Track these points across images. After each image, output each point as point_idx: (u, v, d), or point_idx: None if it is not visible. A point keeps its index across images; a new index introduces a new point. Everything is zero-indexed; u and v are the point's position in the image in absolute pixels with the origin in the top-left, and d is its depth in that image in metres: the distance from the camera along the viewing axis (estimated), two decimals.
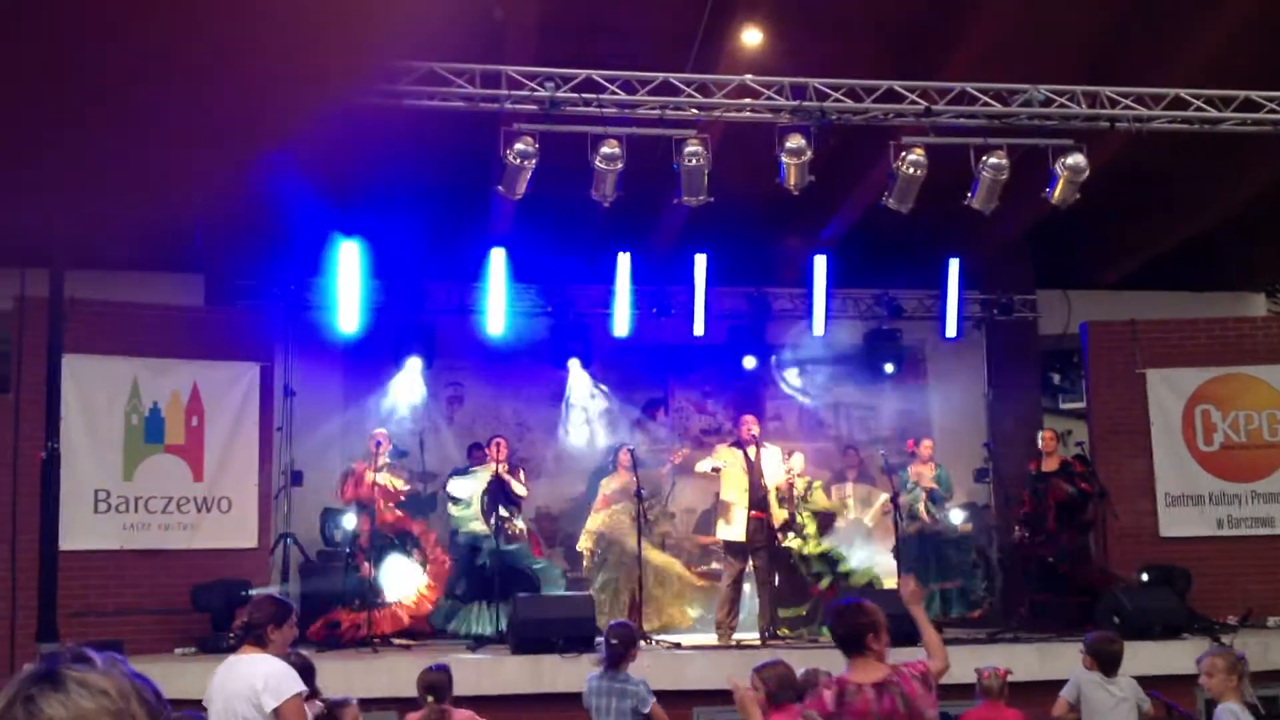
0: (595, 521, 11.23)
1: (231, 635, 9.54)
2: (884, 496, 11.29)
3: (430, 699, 6.22)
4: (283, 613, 5.24)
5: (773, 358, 13.23)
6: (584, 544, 11.34)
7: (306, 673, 5.56)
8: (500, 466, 10.86)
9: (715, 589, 11.19)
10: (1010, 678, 7.04)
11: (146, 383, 10.72)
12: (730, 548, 10.73)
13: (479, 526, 10.86)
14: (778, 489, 10.85)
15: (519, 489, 11.09)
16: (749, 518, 10.53)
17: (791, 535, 10.84)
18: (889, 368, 13.22)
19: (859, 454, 12.61)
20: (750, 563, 10.69)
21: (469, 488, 11.06)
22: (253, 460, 11.10)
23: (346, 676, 8.67)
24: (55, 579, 8.12)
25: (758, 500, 10.62)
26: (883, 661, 4.52)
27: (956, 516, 11.91)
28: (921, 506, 11.61)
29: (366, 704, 8.33)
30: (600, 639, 6.88)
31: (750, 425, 10.96)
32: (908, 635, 9.01)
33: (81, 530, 9.98)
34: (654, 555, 11.06)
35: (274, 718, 4.85)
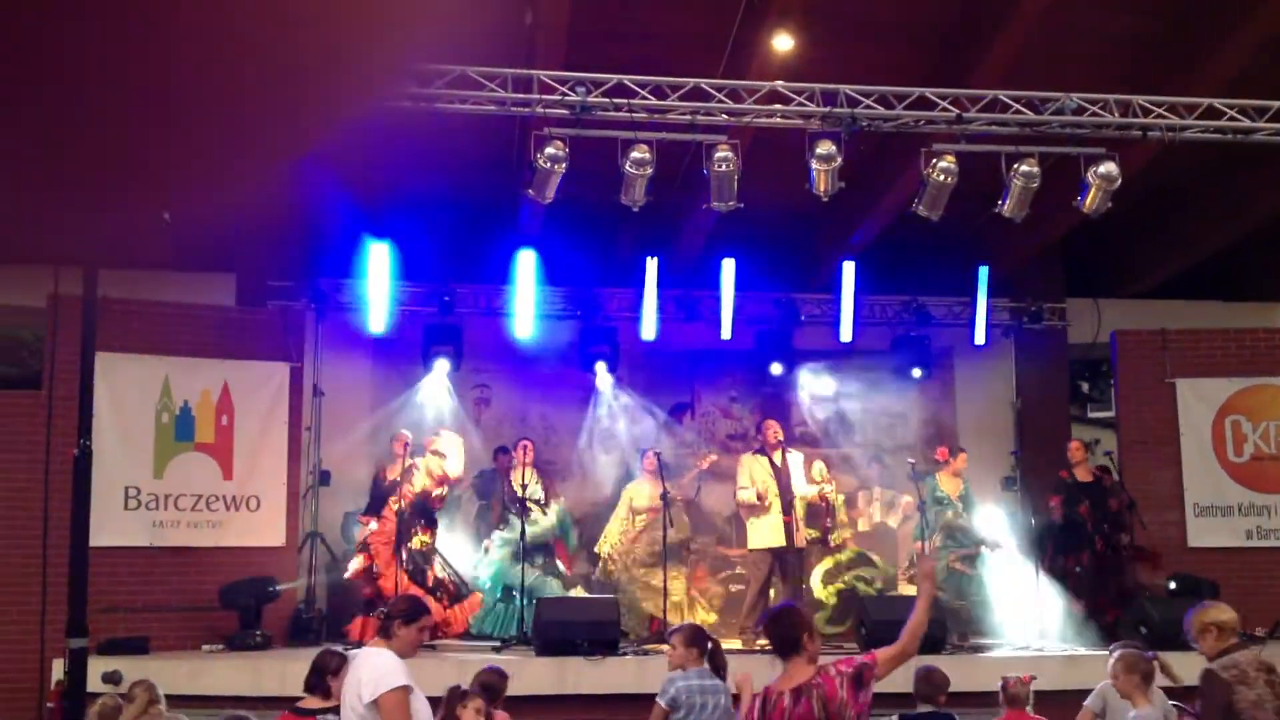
0: (616, 531, 11.26)
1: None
2: (906, 499, 11.28)
3: (478, 699, 6.25)
4: (414, 612, 5.21)
5: (800, 363, 13.21)
6: (603, 548, 11.37)
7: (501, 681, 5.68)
8: (528, 471, 10.89)
9: (737, 594, 11.23)
10: (1035, 685, 7.02)
11: (177, 381, 10.81)
12: (759, 554, 10.73)
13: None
14: (811, 502, 10.84)
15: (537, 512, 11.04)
16: (783, 522, 10.56)
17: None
18: (916, 374, 13.17)
19: (883, 463, 12.58)
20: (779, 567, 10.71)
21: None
22: (282, 459, 11.18)
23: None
24: (86, 575, 8.18)
25: (785, 505, 10.63)
26: (814, 663, 4.55)
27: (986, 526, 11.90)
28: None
29: None
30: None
31: (774, 430, 10.96)
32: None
33: (112, 527, 10.07)
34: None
35: (374, 709, 4.81)
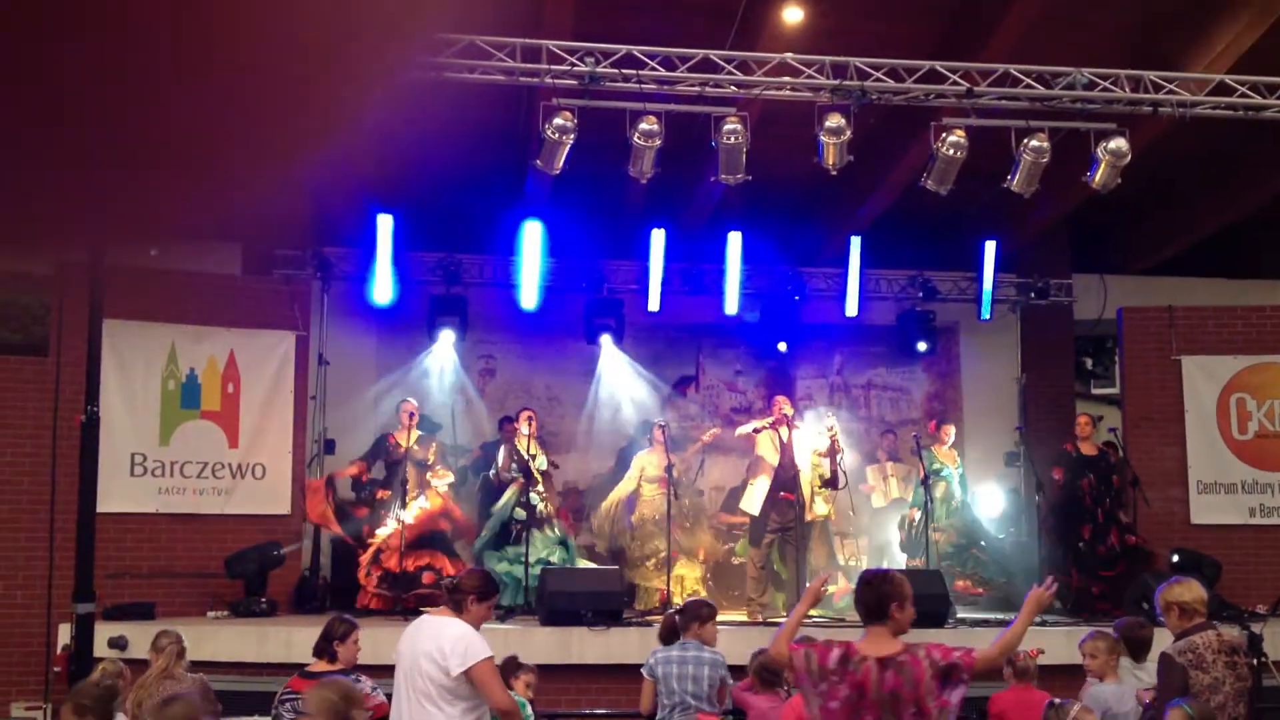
0: (623, 492, 11.34)
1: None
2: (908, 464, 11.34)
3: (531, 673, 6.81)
4: (488, 589, 5.36)
5: (805, 338, 13.21)
6: (605, 509, 11.45)
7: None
8: (530, 441, 10.91)
9: (740, 566, 11.27)
10: (1040, 660, 7.05)
11: (184, 349, 10.83)
12: (753, 525, 10.76)
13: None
14: (818, 453, 10.82)
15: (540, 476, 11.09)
16: (777, 498, 10.55)
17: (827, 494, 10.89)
18: (922, 349, 13.18)
19: (895, 436, 12.59)
20: (780, 541, 10.72)
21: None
22: (287, 428, 11.20)
23: (374, 643, 8.75)
24: (93, 541, 8.24)
25: (786, 481, 10.62)
26: (900, 635, 4.52)
27: (989, 500, 11.94)
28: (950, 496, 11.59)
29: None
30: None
31: (783, 405, 10.94)
32: (934, 616, 9.13)
33: (118, 493, 10.12)
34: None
35: (464, 679, 4.98)
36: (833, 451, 10.64)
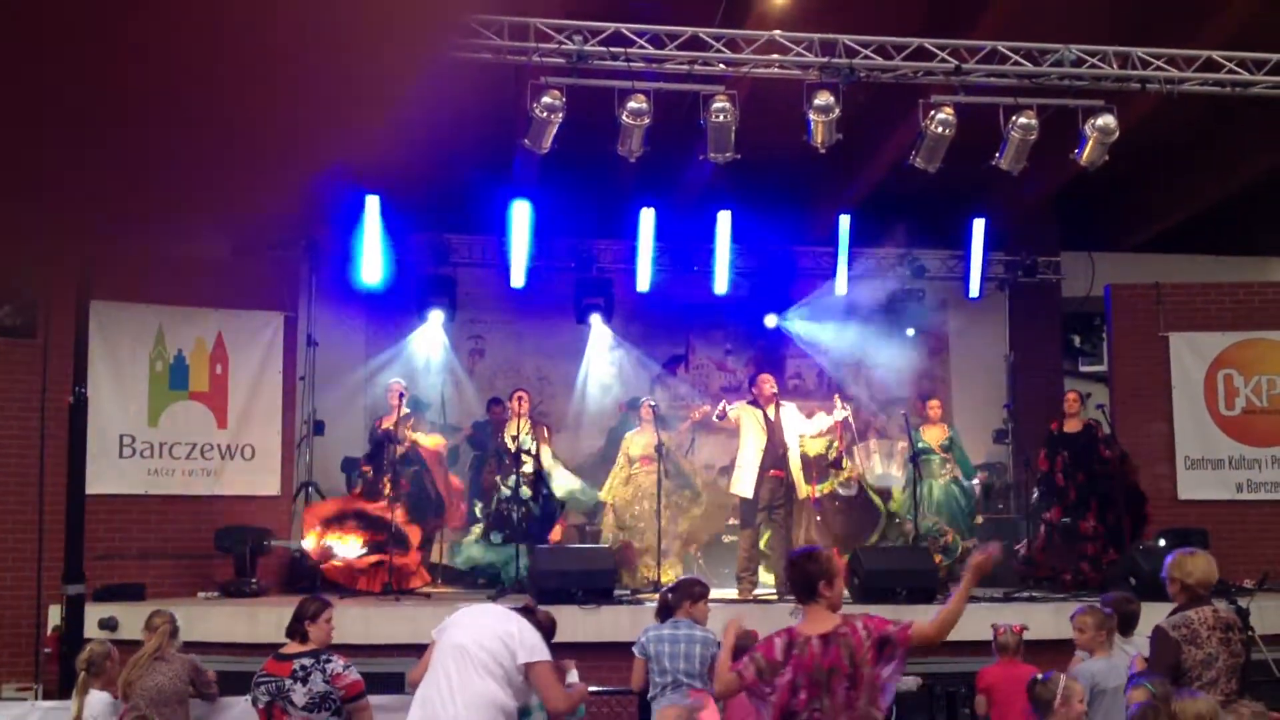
0: (618, 480, 11.30)
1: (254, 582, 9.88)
2: (902, 444, 11.33)
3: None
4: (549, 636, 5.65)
5: (794, 316, 13.21)
6: (606, 497, 11.41)
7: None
8: (523, 421, 10.91)
9: (731, 544, 11.28)
10: (1026, 635, 7.09)
11: (171, 330, 10.79)
12: (744, 506, 10.75)
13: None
14: (819, 455, 10.85)
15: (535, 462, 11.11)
16: (767, 477, 10.54)
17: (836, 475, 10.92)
18: (911, 328, 13.20)
19: (886, 415, 12.63)
20: (768, 520, 10.72)
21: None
22: (276, 409, 11.18)
23: (366, 623, 8.79)
24: (82, 522, 8.23)
25: (776, 459, 10.61)
26: (835, 610, 4.54)
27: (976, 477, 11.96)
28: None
29: (388, 650, 8.48)
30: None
31: (767, 384, 10.90)
32: (923, 593, 9.19)
33: (107, 475, 10.10)
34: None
35: (519, 672, 5.08)
36: (843, 432, 10.71)
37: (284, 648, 5.89)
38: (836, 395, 11.19)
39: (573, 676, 5.57)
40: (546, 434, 11.36)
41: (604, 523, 11.44)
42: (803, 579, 4.56)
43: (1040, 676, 5.63)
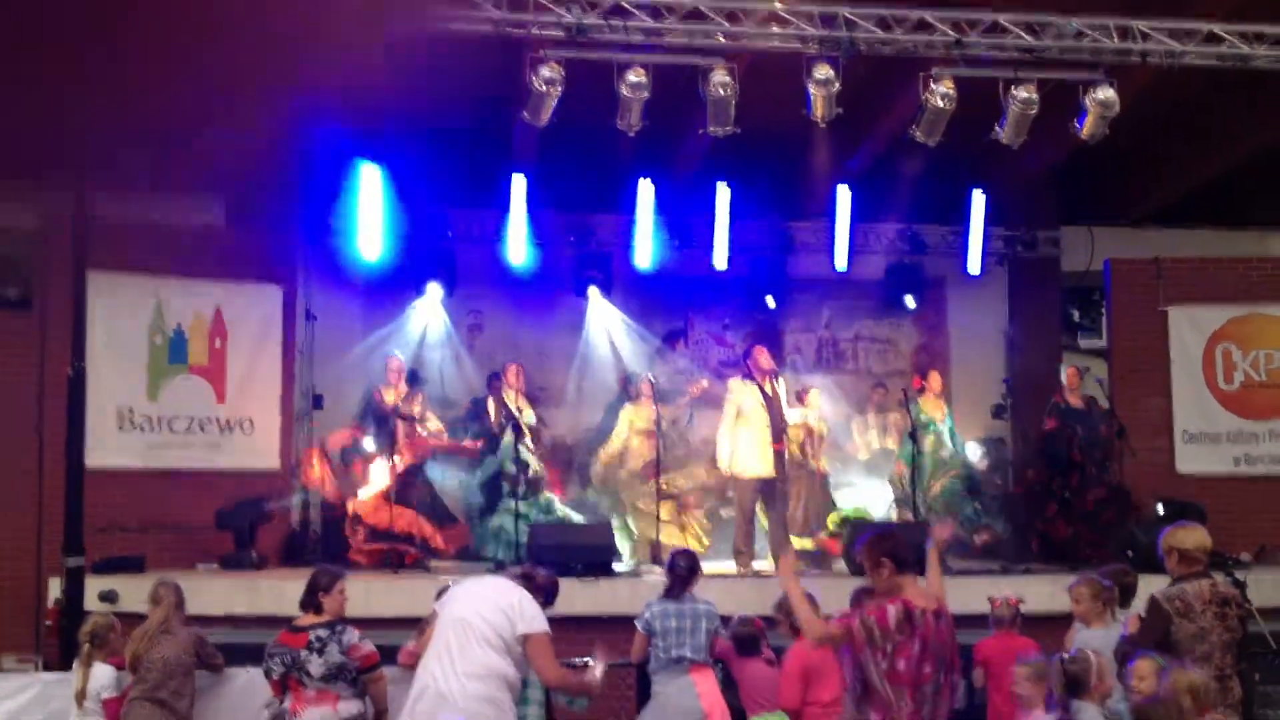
0: (617, 444, 11.33)
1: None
2: (894, 415, 11.37)
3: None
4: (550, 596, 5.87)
5: (793, 290, 13.18)
6: (602, 456, 11.46)
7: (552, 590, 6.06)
8: (518, 395, 10.91)
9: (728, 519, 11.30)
10: (1023, 608, 7.11)
11: (170, 303, 10.80)
12: (758, 482, 10.70)
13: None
14: (795, 427, 10.83)
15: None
16: (773, 450, 10.54)
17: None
18: (910, 302, 13.18)
19: (886, 390, 12.64)
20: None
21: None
22: (275, 383, 11.20)
23: (367, 595, 8.80)
24: (81, 495, 8.24)
25: (777, 433, 10.61)
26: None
27: (974, 452, 11.96)
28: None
29: (386, 623, 8.48)
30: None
31: (763, 356, 10.82)
32: (924, 566, 9.19)
33: (106, 448, 10.12)
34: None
35: (518, 643, 5.08)
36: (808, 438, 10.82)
37: (298, 619, 5.91)
38: (799, 393, 11.19)
39: (598, 670, 5.54)
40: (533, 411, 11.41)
41: (596, 475, 11.52)
42: (906, 553, 4.60)
43: (1067, 654, 5.61)
